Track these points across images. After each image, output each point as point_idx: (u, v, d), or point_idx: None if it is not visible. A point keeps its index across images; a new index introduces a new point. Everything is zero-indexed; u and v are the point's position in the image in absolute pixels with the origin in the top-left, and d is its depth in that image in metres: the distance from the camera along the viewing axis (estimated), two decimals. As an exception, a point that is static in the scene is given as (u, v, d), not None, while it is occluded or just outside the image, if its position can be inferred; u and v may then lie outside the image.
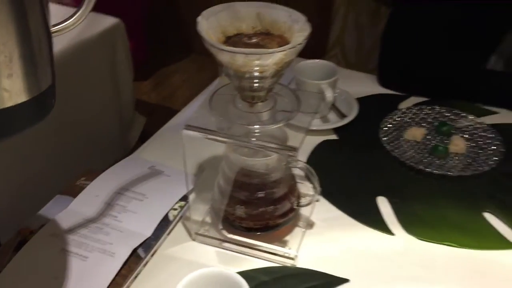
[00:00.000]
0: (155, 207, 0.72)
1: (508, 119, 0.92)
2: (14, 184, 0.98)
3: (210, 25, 0.58)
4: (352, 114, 0.91)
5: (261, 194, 0.66)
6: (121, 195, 0.74)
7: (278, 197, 0.66)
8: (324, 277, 0.64)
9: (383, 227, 0.72)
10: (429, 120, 0.91)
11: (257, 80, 0.57)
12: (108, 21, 1.26)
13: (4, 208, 0.94)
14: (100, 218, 0.70)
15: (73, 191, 0.75)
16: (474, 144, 0.86)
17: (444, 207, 0.75)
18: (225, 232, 0.68)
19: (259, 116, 0.61)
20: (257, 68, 0.55)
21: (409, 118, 0.91)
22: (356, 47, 1.44)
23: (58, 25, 0.49)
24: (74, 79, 1.13)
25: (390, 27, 1.03)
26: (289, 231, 0.70)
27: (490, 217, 0.73)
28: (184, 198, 0.74)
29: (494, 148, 0.84)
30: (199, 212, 0.72)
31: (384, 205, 0.75)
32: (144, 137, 0.91)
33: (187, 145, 0.63)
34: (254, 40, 0.60)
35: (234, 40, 0.60)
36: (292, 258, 0.66)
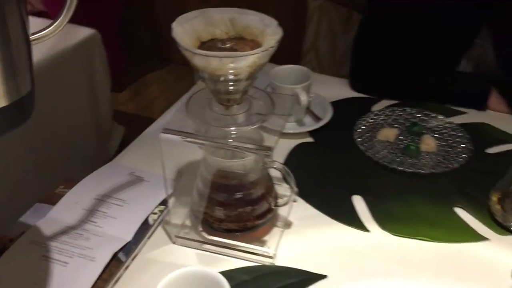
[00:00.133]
0: (135, 212, 0.73)
1: (476, 119, 0.96)
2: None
3: (184, 30, 0.59)
4: (326, 117, 0.94)
5: (239, 195, 0.67)
6: (100, 201, 0.75)
7: (256, 197, 0.68)
8: (302, 274, 0.66)
9: (358, 224, 0.74)
10: (401, 121, 0.94)
11: (232, 83, 0.59)
12: (84, 32, 1.27)
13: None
14: (80, 225, 0.71)
15: (52, 199, 0.75)
16: (444, 143, 0.89)
17: (416, 203, 0.77)
18: (205, 234, 0.70)
19: (235, 119, 0.63)
20: (232, 71, 0.57)
21: (382, 120, 0.94)
22: (330, 53, 1.47)
23: (38, 33, 0.50)
24: (51, 90, 1.13)
25: (362, 33, 1.06)
26: (268, 231, 0.72)
27: (460, 212, 0.76)
28: (164, 202, 0.75)
29: (463, 146, 0.87)
30: (179, 215, 0.73)
31: (359, 203, 0.77)
32: (123, 147, 0.92)
33: (165, 149, 0.65)
34: (228, 45, 0.62)
35: (208, 45, 0.62)
36: (271, 257, 0.67)
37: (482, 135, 0.91)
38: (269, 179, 0.71)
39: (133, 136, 0.94)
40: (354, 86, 1.05)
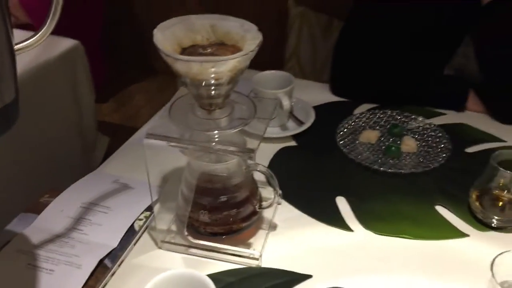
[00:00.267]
0: (120, 219, 0.73)
1: (455, 120, 0.99)
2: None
3: (166, 37, 0.60)
4: (309, 121, 0.95)
5: (223, 199, 0.68)
6: (86, 209, 0.75)
7: (240, 200, 0.69)
8: (288, 274, 0.67)
9: (342, 224, 0.75)
10: (382, 123, 0.96)
11: (213, 87, 0.60)
12: (66, 43, 1.27)
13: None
14: (66, 232, 0.71)
15: (37, 208, 0.75)
16: (424, 143, 0.91)
17: (398, 202, 0.79)
18: (190, 238, 0.70)
19: (217, 123, 0.64)
20: (213, 76, 0.58)
21: (363, 122, 0.96)
22: (311, 59, 1.49)
23: (22, 43, 0.51)
24: (34, 101, 1.13)
25: (342, 38, 1.08)
26: (253, 233, 0.72)
27: (441, 210, 0.78)
28: (149, 208, 0.75)
29: (443, 146, 0.89)
30: (165, 221, 0.74)
31: (342, 204, 0.79)
32: (108, 157, 0.93)
33: (150, 155, 0.65)
34: (209, 51, 0.63)
35: (189, 51, 0.63)
36: (256, 259, 0.68)
37: (461, 135, 0.93)
38: (253, 182, 0.72)
39: (118, 147, 0.95)
40: (335, 91, 1.07)
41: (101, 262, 0.67)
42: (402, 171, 0.84)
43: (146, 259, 0.70)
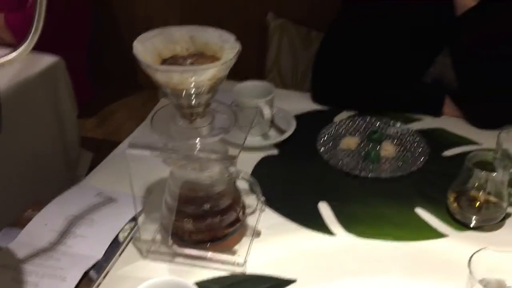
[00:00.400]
0: (104, 230, 0.74)
1: (432, 125, 1.01)
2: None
3: (145, 49, 0.62)
4: (290, 129, 0.97)
5: (207, 207, 0.69)
6: (69, 222, 0.75)
7: (223, 208, 0.70)
8: (272, 279, 0.68)
9: (325, 228, 0.76)
10: (361, 130, 0.98)
11: (194, 97, 0.61)
12: (48, 59, 1.28)
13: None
14: (50, 246, 0.71)
15: (21, 223, 0.75)
16: (403, 148, 0.93)
17: (379, 206, 0.80)
18: (175, 247, 0.71)
19: (199, 131, 0.65)
20: (193, 85, 0.59)
21: (343, 129, 0.98)
22: (292, 70, 1.51)
23: (3, 57, 0.52)
24: (16, 117, 1.13)
25: (323, 47, 1.10)
26: (237, 240, 0.73)
27: (421, 212, 0.80)
28: (134, 219, 0.76)
29: (421, 151, 0.91)
30: (149, 231, 0.74)
31: (325, 209, 0.80)
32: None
33: (133, 167, 0.66)
34: (188, 61, 0.65)
35: (169, 62, 0.64)
36: (241, 265, 0.69)
37: (438, 139, 0.96)
38: (236, 190, 0.73)
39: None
40: (315, 99, 1.09)
41: (86, 274, 0.67)
42: (382, 175, 0.86)
43: (132, 269, 0.70)
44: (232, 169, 0.69)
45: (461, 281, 0.61)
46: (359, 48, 1.04)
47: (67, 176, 1.32)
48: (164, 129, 0.65)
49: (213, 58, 0.64)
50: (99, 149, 1.53)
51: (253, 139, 0.95)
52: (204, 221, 0.69)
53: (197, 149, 0.64)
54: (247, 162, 0.90)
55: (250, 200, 0.75)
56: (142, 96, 2.06)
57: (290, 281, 0.67)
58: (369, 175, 0.86)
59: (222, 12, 1.85)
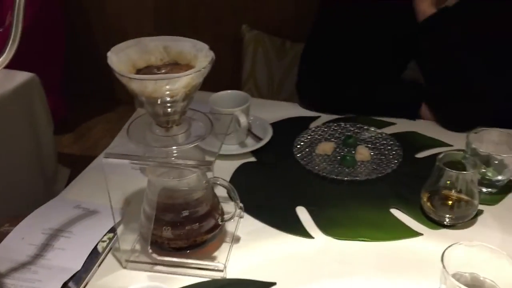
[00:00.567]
0: (83, 242, 0.73)
1: (405, 128, 1.04)
2: None
3: (120, 59, 0.62)
4: (267, 137, 0.98)
5: (185, 213, 0.69)
6: (47, 235, 0.75)
7: (202, 214, 0.70)
8: (252, 283, 0.68)
9: (303, 232, 0.77)
10: (336, 135, 1.00)
11: (169, 105, 0.62)
12: (22, 76, 1.27)
13: None
14: (28, 259, 0.71)
15: (-2, 238, 0.74)
16: (377, 152, 0.95)
17: (356, 208, 0.82)
18: (155, 255, 0.71)
19: (175, 139, 0.66)
20: (168, 93, 0.60)
21: (319, 135, 1.00)
22: (267, 80, 1.53)
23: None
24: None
25: (308, 49, 1.13)
26: (217, 247, 0.74)
27: (396, 212, 0.82)
28: (112, 230, 0.76)
29: (394, 153, 0.94)
30: (128, 241, 0.74)
31: (302, 213, 0.81)
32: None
33: (110, 177, 0.66)
34: (163, 71, 0.66)
35: (144, 72, 0.65)
36: (221, 271, 0.69)
37: (411, 142, 0.98)
38: (214, 196, 0.74)
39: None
40: (301, 100, 1.10)
41: (65, 285, 0.66)
42: (358, 178, 0.88)
43: (111, 279, 0.70)
44: (209, 174, 0.70)
45: (437, 277, 0.63)
46: (338, 53, 1.07)
47: (45, 192, 1.31)
48: (141, 137, 0.66)
49: (188, 67, 0.65)
50: (76, 165, 1.51)
51: (231, 147, 0.96)
52: (183, 228, 0.69)
53: (174, 156, 0.65)
54: (225, 169, 0.90)
55: (229, 207, 0.76)
56: (119, 111, 2.06)
57: (270, 284, 0.68)
58: (345, 179, 0.87)
59: (197, 25, 1.87)
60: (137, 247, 0.74)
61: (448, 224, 0.78)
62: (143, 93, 0.61)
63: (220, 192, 0.75)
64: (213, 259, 0.72)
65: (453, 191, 0.77)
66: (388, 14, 1.04)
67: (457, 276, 0.62)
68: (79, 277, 0.68)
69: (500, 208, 0.82)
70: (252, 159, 0.95)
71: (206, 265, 0.70)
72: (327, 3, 1.13)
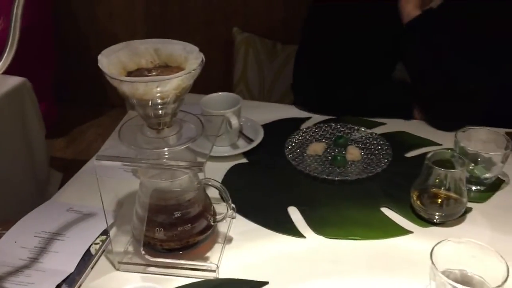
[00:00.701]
0: (76, 245, 0.74)
1: (394, 128, 1.05)
2: None
3: (111, 62, 0.63)
4: (258, 138, 0.99)
5: (177, 214, 0.70)
6: (40, 238, 0.75)
7: (194, 215, 0.71)
8: (245, 283, 0.69)
9: (295, 232, 0.78)
10: (327, 135, 1.01)
11: (160, 107, 0.63)
12: (13, 80, 1.27)
13: None
14: (21, 263, 0.71)
15: (-10, 242, 0.75)
16: (367, 152, 0.96)
17: (346, 207, 0.83)
18: (148, 257, 0.71)
19: (166, 141, 0.66)
20: (158, 95, 0.61)
21: (310, 136, 1.01)
22: (258, 82, 1.54)
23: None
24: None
25: (302, 49, 1.14)
26: (209, 247, 0.74)
27: (386, 211, 0.82)
28: (105, 232, 0.76)
29: (384, 153, 0.95)
30: (121, 243, 0.74)
31: (294, 213, 0.82)
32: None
33: (102, 179, 0.67)
34: (154, 73, 0.66)
35: (135, 74, 0.65)
36: (214, 271, 0.70)
37: (400, 142, 0.99)
38: (206, 197, 0.74)
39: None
40: (297, 101, 1.11)
41: (58, 287, 0.67)
42: (348, 178, 0.88)
43: (104, 281, 0.70)
44: (201, 175, 0.70)
45: (427, 274, 0.63)
46: (330, 55, 1.08)
47: (37, 196, 1.31)
48: (132, 140, 0.66)
49: (178, 69, 0.66)
50: (69, 169, 1.51)
51: (223, 149, 0.97)
52: (175, 230, 0.70)
53: (166, 158, 0.66)
54: (217, 171, 0.91)
55: (221, 208, 0.76)
56: (111, 115, 2.07)
57: (262, 283, 0.69)
58: (336, 178, 0.88)
59: (188, 28, 1.88)
60: (130, 249, 0.74)
61: (438, 222, 0.79)
62: (134, 95, 0.61)
63: (212, 193, 0.76)
64: (205, 259, 0.72)
65: (442, 189, 0.79)
66: (378, 15, 1.06)
67: (447, 273, 0.63)
68: (72, 279, 0.68)
69: (489, 206, 0.83)
70: (244, 160, 0.96)
71: (198, 265, 0.70)
72: (318, 5, 1.14)
